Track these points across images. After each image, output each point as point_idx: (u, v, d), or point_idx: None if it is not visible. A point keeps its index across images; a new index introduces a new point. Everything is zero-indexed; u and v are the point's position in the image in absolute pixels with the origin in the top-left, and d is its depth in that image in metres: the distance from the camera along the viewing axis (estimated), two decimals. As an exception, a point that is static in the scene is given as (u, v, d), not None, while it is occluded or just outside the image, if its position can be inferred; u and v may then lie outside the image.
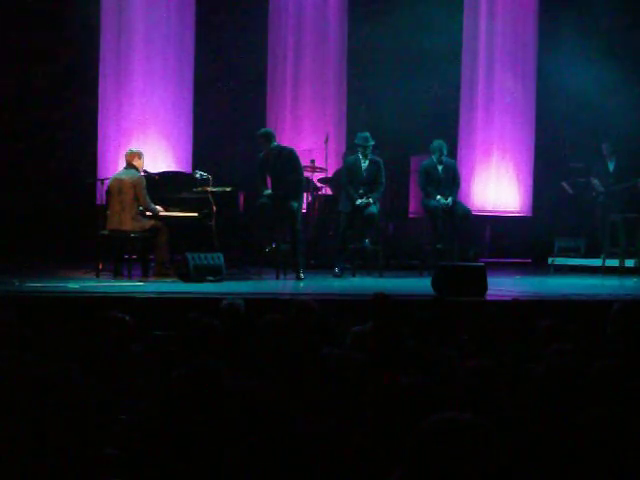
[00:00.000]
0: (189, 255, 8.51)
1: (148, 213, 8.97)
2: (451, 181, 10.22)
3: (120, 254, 9.03)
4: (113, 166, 10.52)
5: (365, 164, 9.89)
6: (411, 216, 12.08)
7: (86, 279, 8.51)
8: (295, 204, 9.39)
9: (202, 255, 8.60)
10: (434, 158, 10.19)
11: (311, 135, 11.58)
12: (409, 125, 11.79)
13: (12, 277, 8.04)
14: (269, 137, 9.52)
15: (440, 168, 10.18)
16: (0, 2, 11.03)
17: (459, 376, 3.46)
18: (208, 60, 11.57)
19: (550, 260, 11.21)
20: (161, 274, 8.83)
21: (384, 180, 9.98)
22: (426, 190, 10.17)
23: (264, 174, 9.65)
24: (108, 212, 8.97)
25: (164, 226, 8.93)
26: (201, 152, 11.39)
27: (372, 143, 9.81)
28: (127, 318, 4.62)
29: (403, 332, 5.09)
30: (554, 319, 4.89)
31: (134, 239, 8.80)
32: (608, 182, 11.34)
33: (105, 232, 8.93)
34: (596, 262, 10.96)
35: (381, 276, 9.72)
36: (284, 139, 10.81)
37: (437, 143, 10.21)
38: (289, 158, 9.49)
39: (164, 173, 9.92)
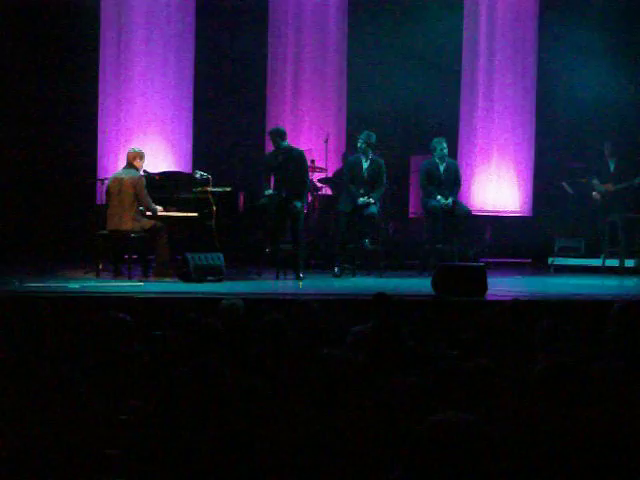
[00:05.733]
0: (189, 255, 8.51)
1: (148, 213, 8.97)
2: (452, 181, 10.21)
3: (120, 254, 9.04)
4: (113, 166, 10.52)
5: (366, 164, 9.89)
6: (411, 216, 12.07)
7: (86, 279, 8.51)
8: (299, 204, 9.40)
9: (202, 255, 8.60)
10: (435, 156, 10.18)
11: (311, 135, 11.58)
12: (409, 125, 11.78)
13: (12, 277, 8.04)
14: (282, 136, 9.56)
15: (441, 168, 10.17)
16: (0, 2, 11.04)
17: (459, 376, 3.46)
18: (208, 60, 11.57)
19: (550, 260, 11.21)
20: (161, 274, 8.83)
21: (386, 181, 9.99)
22: (427, 189, 10.16)
23: (269, 173, 9.65)
24: (108, 212, 8.97)
25: (164, 226, 8.93)
26: (201, 152, 11.39)
27: (374, 140, 9.82)
28: (127, 318, 4.63)
29: (403, 332, 5.09)
30: (554, 319, 4.89)
31: (134, 239, 8.81)
32: (609, 182, 11.34)
33: (105, 232, 8.94)
34: (596, 262, 10.96)
35: (381, 276, 9.72)
36: (284, 139, 10.82)
37: (435, 140, 10.21)
38: (298, 159, 9.51)
39: (164, 173, 9.92)
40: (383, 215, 10.46)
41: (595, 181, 11.44)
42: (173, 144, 11.34)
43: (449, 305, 7.21)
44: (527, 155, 12.44)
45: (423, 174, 10.23)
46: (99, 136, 11.23)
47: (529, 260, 12.11)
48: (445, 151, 10.18)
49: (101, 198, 9.50)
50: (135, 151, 9.13)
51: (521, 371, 3.72)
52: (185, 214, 9.21)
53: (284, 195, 9.42)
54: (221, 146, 11.51)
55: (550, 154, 12.28)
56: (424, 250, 10.22)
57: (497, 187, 12.30)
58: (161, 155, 11.08)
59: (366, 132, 9.92)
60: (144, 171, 9.15)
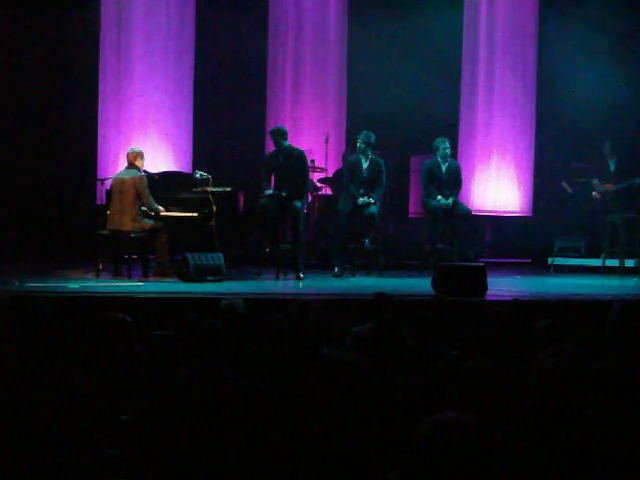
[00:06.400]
0: (189, 255, 8.51)
1: (151, 213, 8.97)
2: (453, 182, 10.22)
3: (120, 254, 9.04)
4: (113, 166, 10.52)
5: (366, 164, 9.90)
6: (411, 216, 12.08)
7: (86, 279, 8.51)
8: (299, 204, 9.41)
9: (202, 255, 8.60)
10: (438, 155, 10.17)
11: (311, 135, 11.57)
12: (409, 125, 11.78)
13: (12, 277, 8.04)
14: (284, 135, 9.58)
15: (443, 168, 10.18)
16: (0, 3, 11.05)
17: (459, 376, 3.46)
18: (208, 60, 11.57)
19: (550, 260, 11.21)
20: (161, 274, 8.83)
21: (385, 181, 10.00)
22: (427, 189, 10.16)
23: (269, 173, 9.65)
24: (108, 212, 8.97)
25: (164, 226, 8.94)
26: (201, 152, 11.39)
27: (373, 140, 9.83)
28: (127, 318, 4.63)
29: (403, 332, 5.09)
30: (554, 319, 4.89)
31: (134, 239, 8.81)
32: (609, 181, 11.35)
33: (105, 232, 8.94)
34: (596, 262, 10.96)
35: (381, 276, 9.72)
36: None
37: (438, 139, 10.21)
38: (299, 160, 9.53)
39: (164, 173, 9.92)
40: (383, 215, 10.46)
41: (595, 181, 11.44)
42: (173, 144, 11.33)
43: (449, 305, 7.21)
44: (527, 155, 12.44)
45: (425, 173, 10.23)
46: (99, 136, 11.21)
47: (529, 260, 12.12)
48: (448, 151, 10.19)
49: (101, 198, 9.51)
50: (135, 151, 9.14)
51: (521, 371, 3.72)
52: (185, 214, 9.22)
53: (284, 195, 9.42)
54: (221, 146, 11.51)
55: (550, 154, 12.29)
56: (424, 250, 10.22)
57: (497, 187, 12.31)
58: (161, 155, 11.07)
59: (365, 132, 9.93)
60: (144, 171, 9.16)
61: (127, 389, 4.00)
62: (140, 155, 9.07)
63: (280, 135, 9.58)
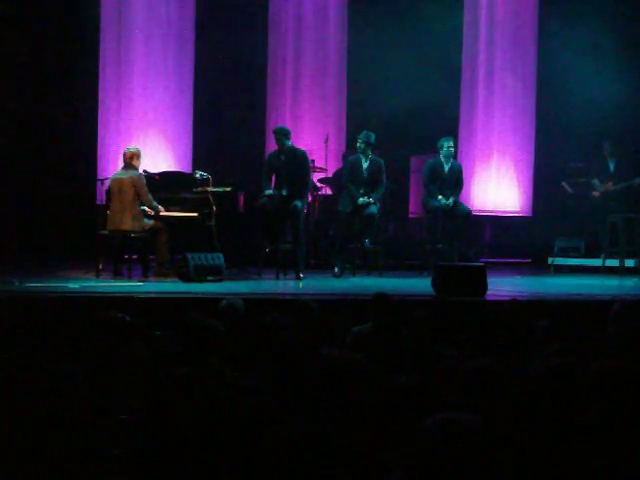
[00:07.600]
0: (189, 255, 8.51)
1: (150, 212, 8.96)
2: (455, 182, 10.20)
3: (120, 254, 9.04)
4: (113, 166, 10.52)
5: (366, 164, 9.89)
6: (411, 216, 12.07)
7: (86, 279, 8.51)
8: (300, 203, 9.40)
9: (202, 255, 8.60)
10: (441, 154, 10.15)
11: (311, 135, 11.57)
12: (409, 125, 11.78)
13: (12, 277, 8.04)
14: (287, 135, 9.57)
15: (446, 167, 10.16)
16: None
17: (459, 376, 3.46)
18: (208, 60, 11.57)
19: (550, 260, 11.20)
20: (161, 274, 8.83)
21: (385, 181, 9.99)
22: (429, 188, 10.15)
23: (270, 172, 9.65)
24: (108, 212, 8.97)
25: (164, 226, 8.94)
26: (201, 152, 11.39)
27: (373, 140, 9.83)
28: (127, 318, 4.63)
29: (403, 332, 5.09)
30: (553, 319, 4.89)
31: (134, 239, 8.81)
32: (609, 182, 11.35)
33: (105, 232, 8.94)
34: (596, 262, 10.96)
35: (381, 276, 9.72)
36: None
37: (443, 139, 10.16)
38: (301, 160, 9.53)
39: (164, 173, 9.92)
40: (383, 215, 10.46)
41: (595, 181, 11.44)
42: (173, 144, 11.34)
43: (449, 305, 7.21)
44: (527, 155, 12.44)
45: (427, 171, 10.21)
46: (99, 136, 11.23)
47: (529, 260, 12.12)
48: (452, 150, 10.17)
49: (101, 198, 9.50)
50: (131, 150, 9.11)
51: (521, 371, 3.72)
52: (185, 214, 9.22)
53: (284, 194, 9.42)
54: (221, 146, 11.51)
55: (550, 154, 12.28)
56: (424, 250, 10.21)
57: (497, 187, 12.31)
58: (161, 155, 11.08)
59: (365, 132, 9.92)
60: (144, 171, 9.16)
61: (127, 389, 4.00)
62: (137, 154, 9.05)
63: (283, 134, 9.58)
